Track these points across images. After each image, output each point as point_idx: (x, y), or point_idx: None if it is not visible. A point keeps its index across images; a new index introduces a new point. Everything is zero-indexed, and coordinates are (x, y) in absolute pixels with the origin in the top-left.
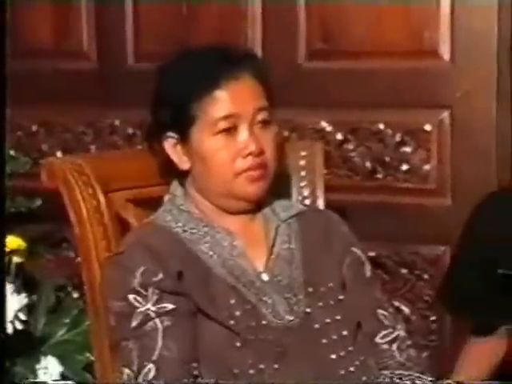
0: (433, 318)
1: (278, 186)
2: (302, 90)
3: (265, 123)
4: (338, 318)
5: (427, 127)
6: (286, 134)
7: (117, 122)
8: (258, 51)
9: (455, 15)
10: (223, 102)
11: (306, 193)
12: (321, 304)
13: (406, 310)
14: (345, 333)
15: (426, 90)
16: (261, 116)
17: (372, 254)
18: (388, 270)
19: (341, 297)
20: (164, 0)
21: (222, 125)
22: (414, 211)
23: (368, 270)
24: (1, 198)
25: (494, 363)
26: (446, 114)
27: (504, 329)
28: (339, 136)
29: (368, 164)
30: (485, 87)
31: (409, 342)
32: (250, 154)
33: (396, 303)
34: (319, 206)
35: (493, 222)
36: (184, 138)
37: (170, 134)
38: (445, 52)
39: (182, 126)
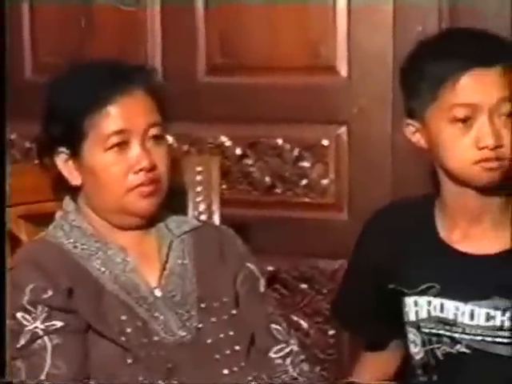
0: (331, 332)
1: (175, 202)
2: (201, 105)
3: (157, 138)
4: (231, 333)
5: (325, 142)
6: (185, 148)
7: (13, 136)
8: (158, 65)
9: (352, 31)
10: (114, 117)
11: (201, 208)
12: (214, 319)
13: (304, 324)
14: (237, 348)
15: (323, 106)
16: (153, 131)
17: (271, 268)
18: (287, 285)
19: (234, 312)
20: (63, 13)
21: (114, 140)
22: (312, 226)
23: (262, 286)
24: (1, 195)
25: (388, 376)
26: (343, 130)
27: (396, 343)
28: (238, 151)
29: (267, 179)
30: (381, 103)
31: (302, 357)
32: (141, 169)
33: (295, 317)
34: (215, 221)
35: (382, 236)
36: (75, 154)
37: (62, 149)
38: (342, 68)
39: (73, 141)
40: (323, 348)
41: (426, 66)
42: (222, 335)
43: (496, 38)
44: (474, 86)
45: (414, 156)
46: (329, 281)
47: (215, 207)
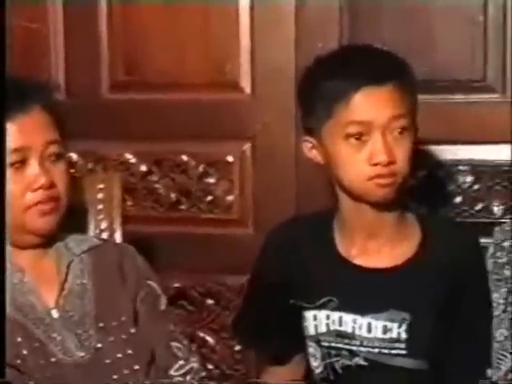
0: (238, 347)
1: (76, 220)
2: (105, 122)
3: (57, 156)
4: (130, 352)
5: (229, 158)
6: (90, 166)
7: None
8: (61, 82)
9: (255, 48)
10: (12, 134)
11: (103, 226)
12: (112, 339)
13: (211, 340)
14: (137, 367)
15: (227, 122)
16: (52, 149)
17: (177, 285)
18: (193, 301)
19: (133, 330)
20: None
21: (12, 158)
22: (218, 241)
23: (163, 303)
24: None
25: None
26: (247, 146)
27: (299, 357)
28: (143, 167)
29: (172, 195)
30: (284, 118)
31: (203, 374)
32: (40, 187)
33: (201, 334)
34: (116, 239)
35: (282, 251)
36: None
37: None
38: (246, 84)
39: None
40: (230, 364)
41: (321, 84)
42: (120, 355)
43: (388, 56)
44: (367, 104)
45: (317, 171)
46: (235, 296)
47: (117, 225)
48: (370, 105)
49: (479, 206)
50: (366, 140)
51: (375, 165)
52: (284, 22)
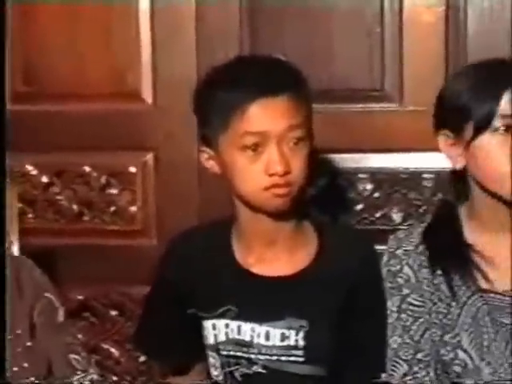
0: (142, 358)
1: None
2: (6, 133)
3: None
4: (26, 365)
5: (132, 169)
6: None
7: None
8: None
9: (156, 58)
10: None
11: None
12: (7, 352)
13: (115, 351)
14: (33, 379)
15: (130, 133)
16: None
17: (80, 297)
18: (97, 313)
19: (29, 344)
20: None
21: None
22: (121, 252)
23: (61, 316)
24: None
25: None
26: (150, 156)
27: (200, 366)
28: (45, 179)
29: (74, 207)
30: (187, 129)
31: None
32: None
33: (105, 345)
34: (14, 251)
35: (181, 261)
36: None
37: None
38: (147, 95)
39: None
40: (135, 375)
41: (217, 95)
42: (16, 368)
43: (284, 66)
44: (262, 115)
45: (219, 181)
46: (139, 307)
47: (14, 238)
48: (265, 116)
49: (379, 214)
50: (262, 151)
51: (271, 175)
52: (185, 31)
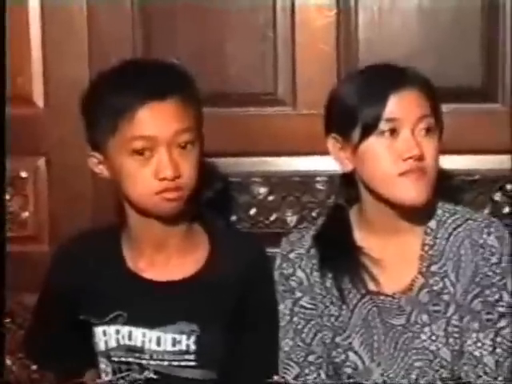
0: (34, 367)
1: None
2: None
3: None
4: None
5: (23, 174)
6: None
7: None
8: None
9: (47, 62)
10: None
11: None
12: None
13: (7, 361)
14: None
15: (21, 137)
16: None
17: None
18: None
19: None
20: None
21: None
22: (13, 259)
23: None
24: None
25: None
26: (42, 161)
27: (92, 371)
28: None
29: None
30: (79, 132)
31: None
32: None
33: None
34: None
35: (70, 267)
36: None
37: None
38: (38, 98)
39: None
40: None
41: (105, 99)
42: None
43: (172, 70)
44: (151, 119)
45: (113, 185)
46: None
47: None
48: (153, 120)
49: (273, 217)
50: (151, 155)
51: (161, 179)
52: (77, 34)
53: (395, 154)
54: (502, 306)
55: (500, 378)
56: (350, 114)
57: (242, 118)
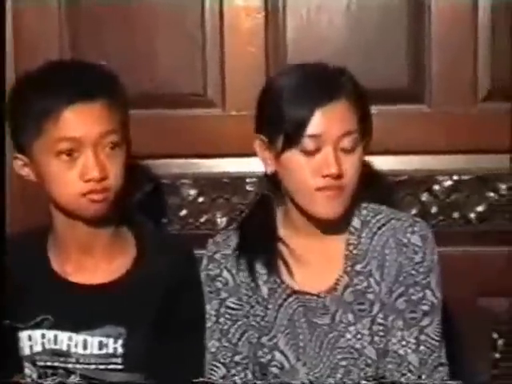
0: None
1: None
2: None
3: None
4: None
5: None
6: None
7: None
8: None
9: None
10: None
11: None
12: None
13: None
14: None
15: None
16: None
17: None
18: None
19: None
20: None
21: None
22: None
23: None
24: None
25: None
26: None
27: (19, 376)
28: None
29: None
30: None
31: None
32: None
33: None
34: None
35: None
36: None
37: None
38: None
39: None
40: None
41: (30, 101)
42: None
43: (98, 72)
44: (77, 120)
45: (32, 188)
46: None
47: None
48: (79, 121)
49: (203, 219)
50: (77, 156)
51: (87, 181)
52: (1, 34)
53: (314, 169)
54: (426, 305)
55: (424, 376)
56: (275, 121)
57: (172, 119)
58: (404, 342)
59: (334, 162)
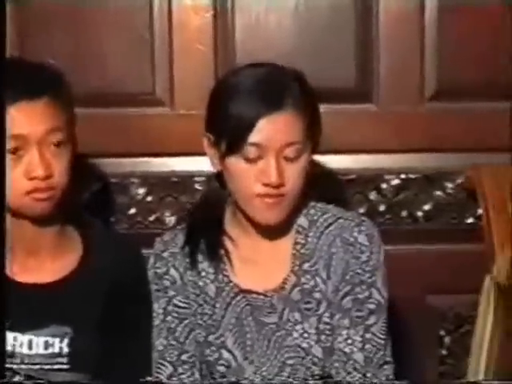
0: None
1: None
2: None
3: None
4: None
5: None
6: None
7: None
8: None
9: None
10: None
11: None
12: None
13: None
14: None
15: None
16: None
17: None
18: None
19: None
20: None
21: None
22: None
23: None
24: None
25: None
26: None
27: None
28: None
29: None
30: None
31: None
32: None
33: None
34: None
35: None
36: None
37: None
38: None
39: None
40: None
41: None
42: None
43: (42, 69)
44: (21, 118)
45: None
46: None
47: None
48: (24, 119)
49: (152, 217)
50: (22, 154)
51: (32, 179)
52: None
53: (256, 176)
54: (372, 303)
55: (369, 374)
56: (220, 124)
57: (120, 118)
58: (350, 341)
59: (275, 172)
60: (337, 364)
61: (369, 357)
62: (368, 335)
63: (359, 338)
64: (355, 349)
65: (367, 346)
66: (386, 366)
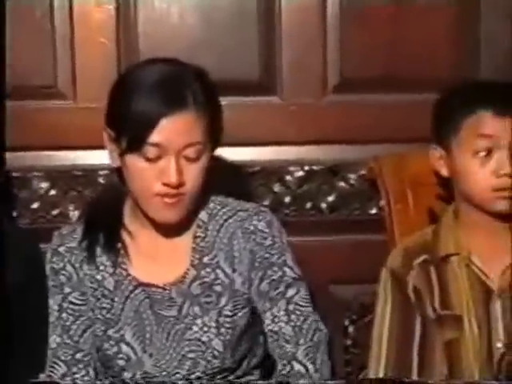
0: None
1: None
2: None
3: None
4: None
5: None
6: None
7: None
8: None
9: None
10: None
11: None
12: None
13: None
14: None
15: None
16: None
17: None
18: None
19: None
20: None
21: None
22: None
23: None
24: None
25: None
26: None
27: None
28: None
29: None
30: None
31: None
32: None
33: None
34: None
35: None
36: None
37: None
38: None
39: None
40: None
41: None
42: None
43: None
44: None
45: None
46: None
47: None
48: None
49: (55, 212)
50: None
51: None
52: None
53: (155, 175)
54: (287, 280)
55: (301, 341)
56: (121, 121)
57: (22, 111)
58: (276, 319)
59: (174, 172)
60: (271, 345)
61: (296, 326)
62: (291, 306)
63: (283, 313)
64: (282, 324)
65: (292, 317)
66: (317, 333)
